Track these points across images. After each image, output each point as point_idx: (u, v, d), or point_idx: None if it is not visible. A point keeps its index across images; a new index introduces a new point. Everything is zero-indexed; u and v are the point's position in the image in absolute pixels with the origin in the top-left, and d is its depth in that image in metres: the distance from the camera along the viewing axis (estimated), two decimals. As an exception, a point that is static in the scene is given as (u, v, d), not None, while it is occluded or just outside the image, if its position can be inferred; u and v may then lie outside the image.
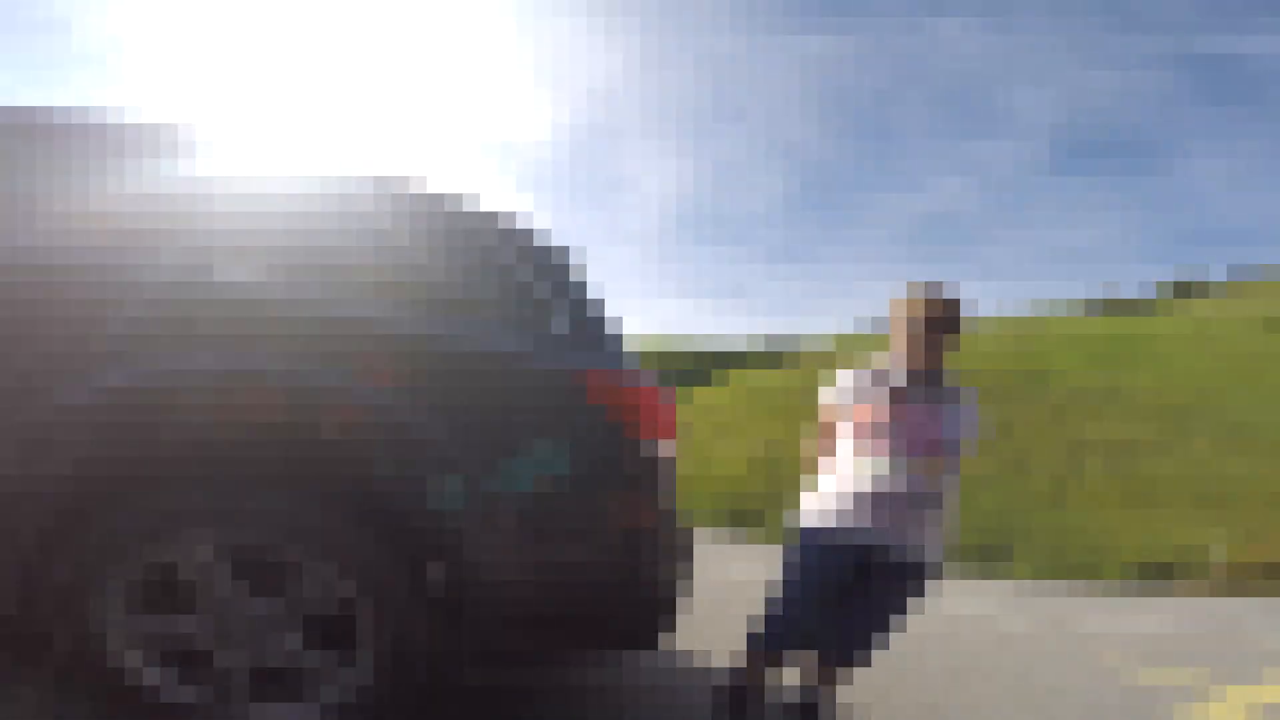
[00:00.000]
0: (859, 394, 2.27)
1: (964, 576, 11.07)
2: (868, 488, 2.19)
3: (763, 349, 30.91)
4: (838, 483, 2.25)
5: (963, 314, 2.21)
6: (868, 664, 2.27)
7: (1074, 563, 11.83)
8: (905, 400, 2.22)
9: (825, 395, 2.38)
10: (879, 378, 2.28)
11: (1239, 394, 16.17)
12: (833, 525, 2.23)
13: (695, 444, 19.53)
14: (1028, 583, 10.47)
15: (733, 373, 25.44)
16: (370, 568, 1.73)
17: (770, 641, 2.28)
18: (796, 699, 2.39)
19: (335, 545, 1.72)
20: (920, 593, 2.27)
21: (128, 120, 1.94)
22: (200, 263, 1.81)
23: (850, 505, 2.21)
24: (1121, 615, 6.80)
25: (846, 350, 28.75)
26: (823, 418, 2.38)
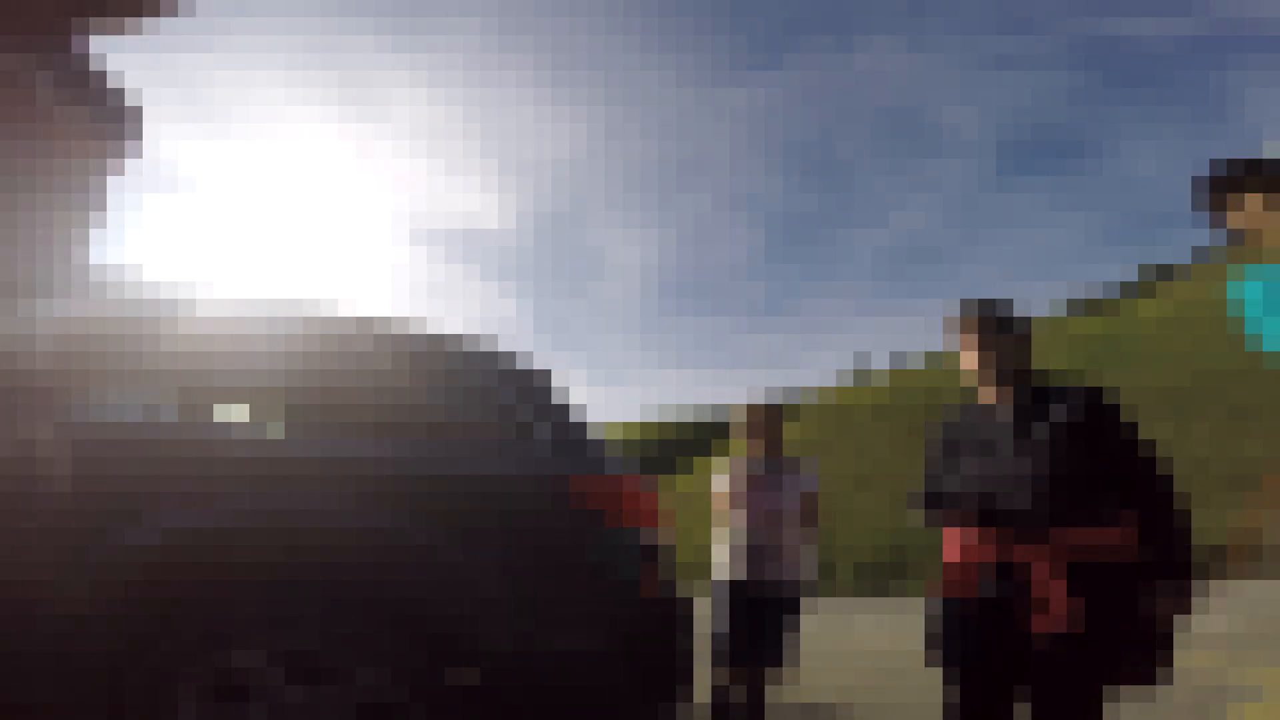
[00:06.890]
0: (734, 476, 3.32)
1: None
2: (738, 541, 3.24)
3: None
4: (728, 540, 3.28)
5: (780, 417, 3.42)
6: (779, 664, 3.19)
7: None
8: (755, 474, 3.29)
9: (716, 483, 3.41)
10: (740, 466, 3.34)
11: (1235, 375, 16.41)
12: (722, 576, 3.27)
13: (700, 516, 19.30)
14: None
15: (732, 443, 25.43)
16: (404, 663, 1.92)
17: (717, 659, 3.18)
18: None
19: (372, 647, 1.92)
20: (795, 610, 3.25)
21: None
22: (249, 414, 2.11)
23: (727, 559, 3.27)
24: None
25: (845, 401, 28.89)
26: (715, 501, 3.40)
